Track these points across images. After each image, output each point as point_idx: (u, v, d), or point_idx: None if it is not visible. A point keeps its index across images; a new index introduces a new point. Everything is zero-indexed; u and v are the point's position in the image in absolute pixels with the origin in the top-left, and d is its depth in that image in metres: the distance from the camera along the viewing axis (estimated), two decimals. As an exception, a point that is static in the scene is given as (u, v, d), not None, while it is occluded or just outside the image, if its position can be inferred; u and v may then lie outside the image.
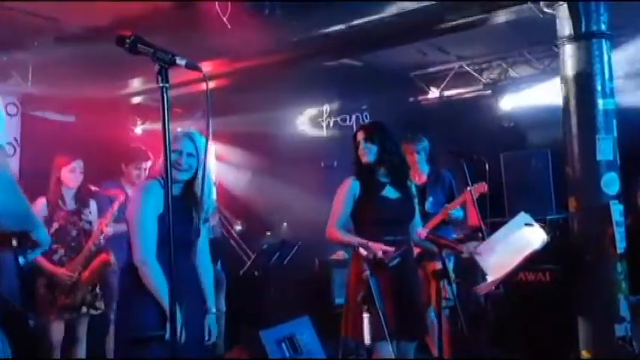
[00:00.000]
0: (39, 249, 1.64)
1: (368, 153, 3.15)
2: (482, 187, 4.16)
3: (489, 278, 3.16)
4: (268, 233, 6.11)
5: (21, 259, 1.54)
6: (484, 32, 4.40)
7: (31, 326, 1.47)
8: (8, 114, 5.25)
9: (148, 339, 2.44)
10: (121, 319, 2.68)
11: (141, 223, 2.57)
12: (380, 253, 2.85)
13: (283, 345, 4.21)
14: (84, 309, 4.08)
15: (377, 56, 5.20)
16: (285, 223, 6.23)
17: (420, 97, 6.07)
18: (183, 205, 2.65)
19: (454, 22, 3.97)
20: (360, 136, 3.19)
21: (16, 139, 5.44)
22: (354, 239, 3.04)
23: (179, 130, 2.73)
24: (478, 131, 5.56)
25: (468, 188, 4.14)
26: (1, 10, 4.11)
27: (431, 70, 5.95)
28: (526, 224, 3.28)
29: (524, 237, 3.25)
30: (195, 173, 2.66)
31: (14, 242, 1.52)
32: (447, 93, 5.91)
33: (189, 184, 2.70)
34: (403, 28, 4.11)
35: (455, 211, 4.29)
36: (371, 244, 2.91)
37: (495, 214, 4.43)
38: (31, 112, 5.55)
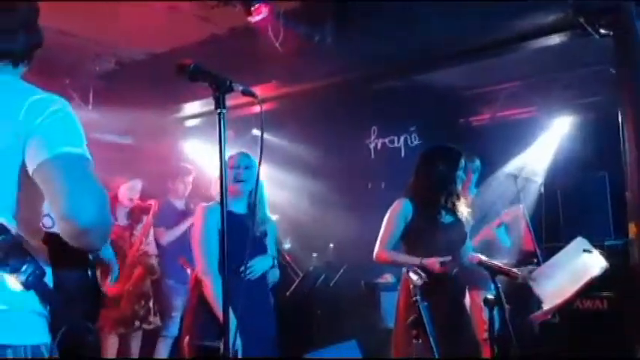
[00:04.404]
0: (113, 269, 1.66)
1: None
2: (517, 211, 4.06)
3: (545, 306, 3.06)
4: (315, 255, 6.10)
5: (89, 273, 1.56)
6: (538, 52, 4.32)
7: (91, 342, 1.49)
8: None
9: (203, 348, 2.54)
10: (185, 328, 2.87)
11: (203, 239, 2.79)
12: (438, 266, 2.83)
13: (329, 368, 4.16)
14: (137, 323, 4.18)
15: (425, 77, 5.19)
16: (331, 245, 6.21)
17: (471, 118, 5.98)
18: (245, 221, 2.77)
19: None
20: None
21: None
22: (408, 258, 3.01)
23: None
24: (532, 153, 5.42)
25: (505, 210, 4.06)
26: (66, 37, 4.34)
27: (482, 90, 5.87)
28: (584, 250, 3.16)
29: (582, 263, 3.13)
30: (255, 186, 2.84)
31: (90, 257, 1.55)
32: (499, 113, 5.80)
33: (254, 202, 2.84)
34: (453, 50, 4.09)
35: (498, 232, 4.18)
36: (425, 260, 2.88)
37: (551, 239, 4.29)
38: (91, 134, 5.79)
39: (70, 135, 1.43)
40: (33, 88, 1.50)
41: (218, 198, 2.84)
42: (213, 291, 2.69)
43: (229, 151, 2.82)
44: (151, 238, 4.42)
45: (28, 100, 1.43)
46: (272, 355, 2.90)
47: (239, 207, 2.92)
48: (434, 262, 2.89)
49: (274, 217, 3.16)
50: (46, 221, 1.50)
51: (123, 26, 4.44)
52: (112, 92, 5.32)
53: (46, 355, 1.41)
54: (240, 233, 2.74)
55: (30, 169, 1.39)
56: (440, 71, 4.82)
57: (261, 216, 2.95)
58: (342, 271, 5.51)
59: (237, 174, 2.88)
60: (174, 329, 4.51)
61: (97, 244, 1.48)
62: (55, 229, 1.50)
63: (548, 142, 5.33)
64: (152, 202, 4.35)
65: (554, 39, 3.93)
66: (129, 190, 4.31)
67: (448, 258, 2.89)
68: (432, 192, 3.10)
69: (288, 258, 5.51)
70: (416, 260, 2.93)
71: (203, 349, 2.64)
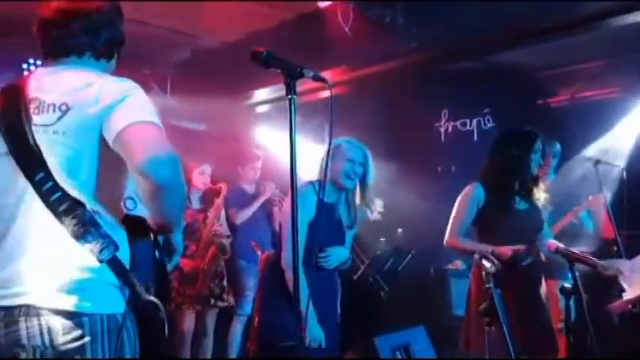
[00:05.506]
0: (175, 255, 1.71)
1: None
2: (600, 199, 3.86)
3: (626, 296, 2.91)
4: (382, 239, 6.08)
5: (157, 253, 1.64)
6: (622, 30, 4.06)
7: (162, 317, 1.57)
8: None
9: (281, 349, 2.54)
10: (261, 320, 2.84)
11: (289, 224, 2.67)
12: (509, 253, 2.73)
13: (398, 353, 4.17)
14: (212, 301, 4.38)
15: (500, 57, 5.01)
16: (399, 230, 6.16)
17: (550, 100, 5.72)
18: (335, 212, 2.77)
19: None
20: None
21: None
22: (479, 246, 2.92)
23: (342, 138, 2.87)
24: (614, 136, 5.12)
25: (590, 197, 3.87)
26: (144, 27, 4.53)
27: (561, 70, 5.59)
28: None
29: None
30: (358, 181, 2.81)
31: (154, 238, 1.59)
32: (579, 95, 5.51)
33: (350, 191, 2.83)
34: (530, 28, 3.92)
35: (582, 217, 4.01)
36: (497, 248, 2.78)
37: (633, 226, 4.06)
38: (169, 121, 6.03)
39: (144, 108, 1.53)
40: (107, 75, 1.62)
41: (318, 176, 2.81)
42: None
43: (299, 137, 2.79)
44: (223, 219, 4.57)
45: (102, 83, 1.55)
46: (335, 341, 2.88)
47: (332, 196, 2.84)
48: (507, 250, 2.78)
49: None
50: (129, 204, 1.59)
51: (197, 16, 4.58)
52: (187, 81, 5.51)
53: (120, 324, 1.50)
54: (327, 223, 2.71)
55: (110, 139, 1.50)
56: (516, 51, 4.64)
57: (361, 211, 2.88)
58: (410, 256, 5.46)
59: (352, 170, 2.78)
60: (247, 308, 4.66)
61: (172, 209, 1.55)
62: (136, 212, 1.59)
63: (631, 125, 5.01)
64: (222, 185, 4.50)
65: (639, 16, 3.68)
66: (200, 175, 4.48)
67: (522, 247, 2.76)
68: (505, 177, 3.00)
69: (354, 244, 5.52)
70: (487, 248, 2.83)
71: (279, 349, 2.59)
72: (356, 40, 4.16)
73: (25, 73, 4.86)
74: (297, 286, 1.82)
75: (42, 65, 1.74)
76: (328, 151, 2.66)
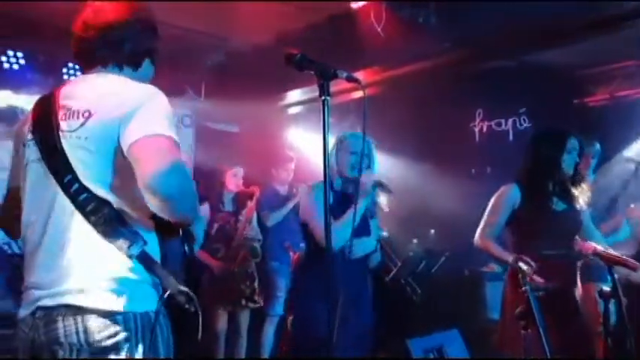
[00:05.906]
0: (194, 244, 1.76)
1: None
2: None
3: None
4: (415, 241, 6.03)
5: (186, 247, 1.69)
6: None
7: (195, 306, 1.61)
8: (184, 125, 5.85)
9: (313, 349, 2.54)
10: (294, 321, 2.85)
11: (314, 214, 2.73)
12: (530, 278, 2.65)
13: (431, 355, 4.13)
14: (244, 302, 4.43)
15: (534, 56, 4.92)
16: (432, 231, 6.10)
17: (587, 99, 5.58)
18: (344, 199, 2.78)
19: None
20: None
21: (190, 146, 6.04)
22: (505, 256, 2.86)
23: (347, 132, 2.90)
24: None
25: (632, 205, 3.76)
26: (177, 30, 4.60)
27: (599, 69, 5.45)
28: None
29: None
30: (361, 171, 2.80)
31: (180, 232, 1.66)
32: (618, 94, 5.36)
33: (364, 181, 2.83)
34: (567, 26, 3.84)
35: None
36: (521, 264, 2.69)
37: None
38: (203, 124, 6.12)
39: (155, 119, 1.57)
40: (130, 82, 1.66)
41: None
42: None
43: (331, 138, 2.80)
44: (255, 223, 4.61)
45: (123, 90, 1.61)
46: (367, 342, 2.87)
47: (347, 189, 2.87)
48: (531, 276, 2.67)
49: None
50: None
51: (229, 18, 4.63)
52: (220, 83, 5.59)
53: (153, 321, 1.55)
54: (343, 210, 2.73)
55: (125, 149, 1.55)
56: (551, 50, 4.54)
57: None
58: (443, 258, 5.40)
59: (357, 161, 2.79)
60: (279, 309, 4.70)
61: (184, 215, 1.58)
62: None
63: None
64: (254, 188, 4.54)
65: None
66: (233, 176, 4.54)
67: (540, 280, 2.66)
68: (539, 178, 2.94)
69: (385, 246, 5.49)
70: (508, 259, 2.77)
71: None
72: (389, 40, 4.14)
73: (65, 77, 4.99)
74: (332, 274, 1.82)
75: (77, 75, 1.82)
76: (362, 150, 2.69)
